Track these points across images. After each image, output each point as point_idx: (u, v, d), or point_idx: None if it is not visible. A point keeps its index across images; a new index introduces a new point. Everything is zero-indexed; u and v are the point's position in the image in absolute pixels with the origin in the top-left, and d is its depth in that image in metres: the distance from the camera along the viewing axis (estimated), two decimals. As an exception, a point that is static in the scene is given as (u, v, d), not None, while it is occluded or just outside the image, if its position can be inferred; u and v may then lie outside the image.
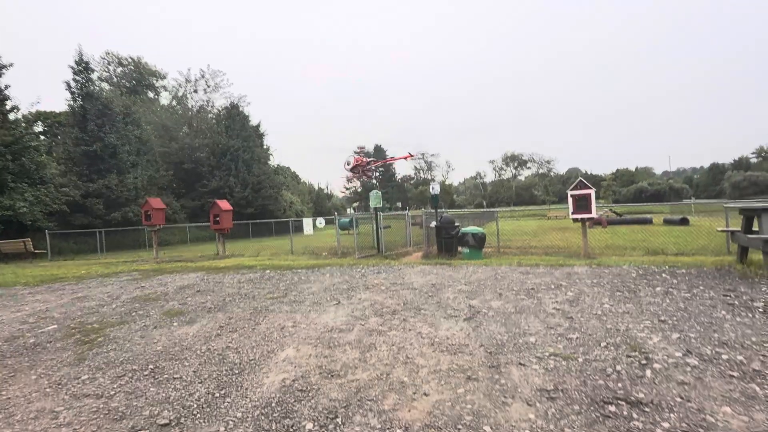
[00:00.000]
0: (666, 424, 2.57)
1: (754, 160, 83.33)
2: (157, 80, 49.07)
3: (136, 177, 31.00)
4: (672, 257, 9.21)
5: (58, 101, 58.61)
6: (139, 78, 46.69)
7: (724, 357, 3.49)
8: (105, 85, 41.93)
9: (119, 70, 46.42)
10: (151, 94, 48.21)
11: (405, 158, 20.39)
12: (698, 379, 3.13)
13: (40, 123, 34.67)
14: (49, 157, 28.25)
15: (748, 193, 67.58)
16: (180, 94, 49.32)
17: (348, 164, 18.23)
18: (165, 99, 49.75)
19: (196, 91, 49.37)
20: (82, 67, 29.82)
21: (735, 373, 3.19)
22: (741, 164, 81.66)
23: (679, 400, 2.85)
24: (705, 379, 3.13)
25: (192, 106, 49.22)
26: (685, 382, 3.10)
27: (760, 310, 4.71)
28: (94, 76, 33.60)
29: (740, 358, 3.45)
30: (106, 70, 45.58)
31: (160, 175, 36.37)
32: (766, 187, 69.39)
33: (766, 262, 6.29)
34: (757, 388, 2.95)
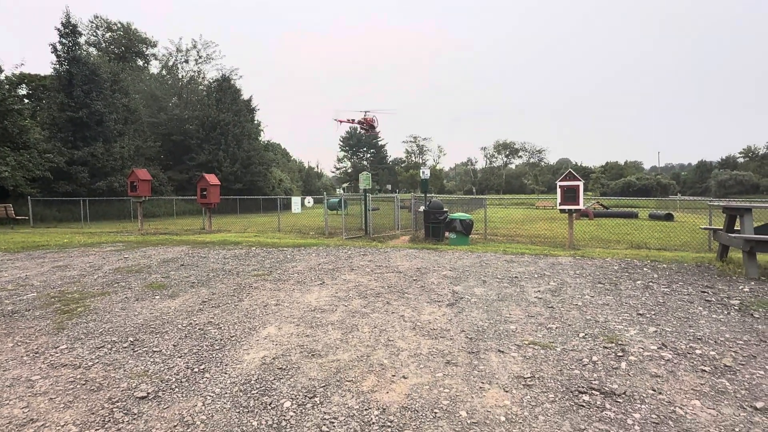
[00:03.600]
0: (637, 415, 2.63)
1: (740, 160, 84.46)
2: (147, 48, 47.64)
3: (123, 146, 30.42)
4: (654, 252, 9.36)
5: (44, 64, 56.67)
6: (128, 44, 45.29)
7: (698, 352, 3.57)
8: (93, 50, 40.65)
9: (108, 35, 44.94)
10: (140, 62, 46.87)
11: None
12: (671, 373, 3.20)
13: (24, 86, 33.57)
14: (33, 121, 27.52)
15: (733, 192, 68.68)
16: (170, 63, 48.13)
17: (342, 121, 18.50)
18: (154, 68, 48.50)
19: (186, 62, 48.25)
20: (69, 30, 28.90)
21: (707, 368, 3.26)
22: (728, 163, 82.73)
23: (651, 392, 2.92)
24: (677, 373, 3.20)
25: (182, 76, 48.12)
26: (658, 375, 3.17)
27: (736, 308, 4.81)
28: (82, 40, 32.62)
29: (713, 353, 3.54)
30: (94, 34, 44.10)
31: (147, 145, 35.70)
32: (751, 187, 70.52)
33: (746, 261, 6.41)
34: (727, 383, 3.02)
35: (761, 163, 79.71)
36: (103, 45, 44.11)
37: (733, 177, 73.00)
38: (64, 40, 28.68)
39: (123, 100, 32.13)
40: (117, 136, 30.35)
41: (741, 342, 3.76)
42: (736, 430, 2.46)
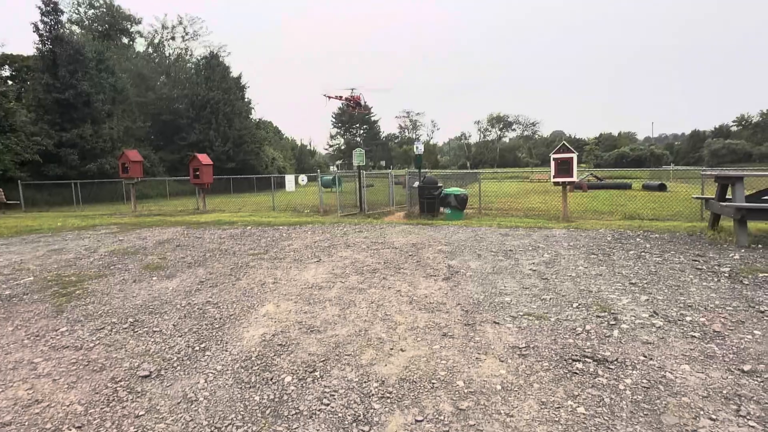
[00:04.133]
0: (628, 380, 2.71)
1: (734, 129, 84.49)
2: (131, 25, 46.31)
3: (112, 127, 29.92)
4: (647, 222, 9.45)
5: (26, 44, 55.21)
6: (111, 22, 43.99)
7: (688, 319, 3.65)
8: (75, 29, 39.60)
9: (90, 12, 43.58)
10: (125, 40, 45.69)
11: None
12: (662, 339, 3.29)
13: (7, 67, 32.76)
14: (19, 103, 26.98)
15: (726, 161, 68.95)
16: (156, 41, 47.01)
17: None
18: (140, 46, 47.25)
19: (173, 39, 47.17)
20: (51, 8, 28.01)
21: (696, 334, 3.35)
22: (721, 132, 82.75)
23: (642, 358, 3.00)
24: (668, 339, 3.28)
25: (169, 54, 47.11)
26: (649, 342, 3.25)
27: (726, 275, 4.90)
28: (64, 18, 31.67)
29: (702, 320, 3.62)
30: (76, 12, 42.74)
31: (137, 126, 35.17)
32: (744, 156, 70.80)
33: (736, 229, 6.50)
34: (716, 348, 3.11)
35: (754, 131, 79.83)
36: (86, 23, 42.86)
37: (726, 146, 73.18)
38: (45, 19, 27.83)
39: (110, 80, 31.41)
40: (105, 117, 29.80)
41: (730, 308, 3.85)
42: (724, 392, 2.55)
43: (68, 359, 3.28)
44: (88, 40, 32.67)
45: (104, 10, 43.66)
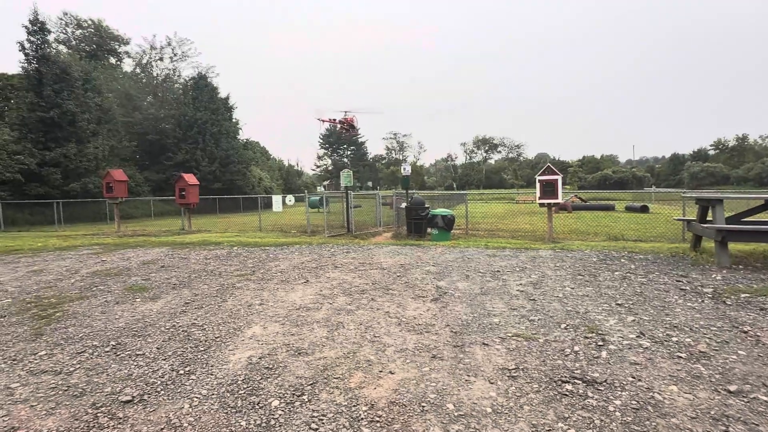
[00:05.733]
0: (618, 402, 2.71)
1: (711, 152, 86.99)
2: (119, 45, 46.40)
3: (97, 147, 29.65)
4: (631, 243, 9.59)
5: (11, 62, 54.83)
6: (99, 42, 44.04)
7: (674, 339, 3.69)
8: (62, 48, 39.47)
9: (78, 32, 43.59)
10: (113, 60, 45.69)
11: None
12: (649, 360, 3.31)
13: (-10, 85, 32.43)
14: (1, 121, 26.64)
15: (705, 184, 70.77)
16: (144, 61, 47.03)
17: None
18: (128, 66, 47.28)
19: (161, 59, 47.21)
20: (38, 28, 28.01)
21: (683, 355, 3.38)
22: (700, 155, 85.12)
23: (631, 379, 3.01)
24: (655, 360, 3.30)
25: (157, 74, 47.10)
26: (637, 363, 3.27)
27: (709, 296, 4.98)
28: (51, 37, 31.61)
29: (688, 340, 3.66)
30: (64, 32, 42.70)
31: (122, 145, 34.90)
32: (722, 178, 72.79)
33: (717, 250, 6.63)
34: (702, 369, 3.14)
35: (731, 154, 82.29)
36: (74, 43, 42.83)
37: (704, 169, 75.20)
38: (32, 38, 27.79)
39: (96, 100, 31.24)
40: (90, 136, 29.55)
41: (714, 328, 3.90)
42: (712, 412, 2.56)
43: (47, 384, 3.18)
44: (75, 60, 32.55)
45: (92, 30, 43.74)
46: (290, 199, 20.17)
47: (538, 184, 10.68)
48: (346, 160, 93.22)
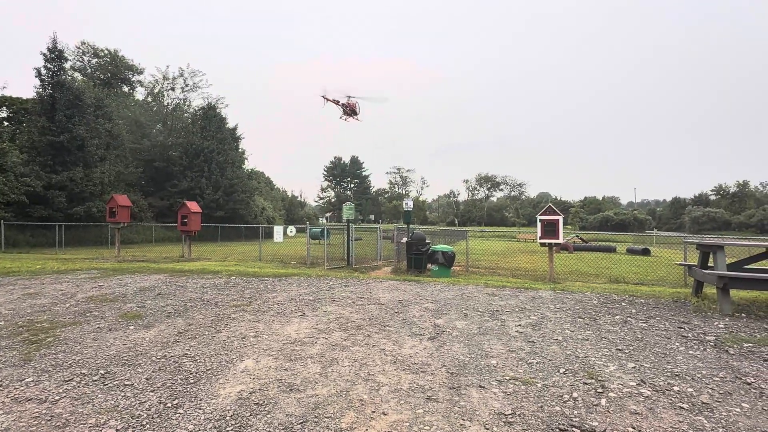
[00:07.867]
0: (617, 454, 2.61)
1: (712, 197, 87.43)
2: (133, 75, 47.68)
3: (104, 172, 29.97)
4: (632, 286, 9.50)
5: (26, 87, 56.32)
6: (114, 71, 45.28)
7: (676, 388, 3.59)
8: (78, 75, 40.56)
9: (94, 61, 44.90)
10: (126, 88, 46.83)
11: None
12: (650, 410, 3.21)
13: (5, 109, 33.09)
14: (12, 144, 27.05)
15: (706, 228, 70.71)
16: (156, 90, 48.16)
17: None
18: (140, 94, 48.44)
19: (173, 89, 48.33)
20: (55, 55, 28.85)
21: (685, 405, 3.28)
22: (701, 200, 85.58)
23: (631, 429, 2.91)
24: (656, 410, 3.21)
25: (168, 103, 48.11)
26: (637, 412, 3.17)
27: (711, 344, 4.89)
28: (67, 65, 32.54)
29: (690, 390, 3.57)
30: (80, 60, 44.02)
31: (129, 171, 35.27)
32: (723, 224, 72.80)
33: (720, 297, 6.55)
34: (705, 421, 3.04)
35: (732, 200, 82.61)
36: (89, 71, 44.02)
37: (706, 214, 75.38)
38: (49, 65, 28.57)
39: (106, 126, 31.82)
40: (98, 161, 29.92)
41: (717, 379, 3.81)
42: (714, 469, 2.47)
43: (30, 413, 3.10)
44: (89, 87, 33.35)
45: (108, 59, 45.01)
46: (291, 229, 20.20)
47: (539, 224, 10.70)
48: (349, 192, 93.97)
